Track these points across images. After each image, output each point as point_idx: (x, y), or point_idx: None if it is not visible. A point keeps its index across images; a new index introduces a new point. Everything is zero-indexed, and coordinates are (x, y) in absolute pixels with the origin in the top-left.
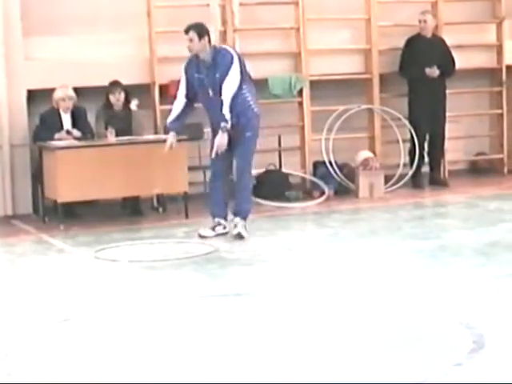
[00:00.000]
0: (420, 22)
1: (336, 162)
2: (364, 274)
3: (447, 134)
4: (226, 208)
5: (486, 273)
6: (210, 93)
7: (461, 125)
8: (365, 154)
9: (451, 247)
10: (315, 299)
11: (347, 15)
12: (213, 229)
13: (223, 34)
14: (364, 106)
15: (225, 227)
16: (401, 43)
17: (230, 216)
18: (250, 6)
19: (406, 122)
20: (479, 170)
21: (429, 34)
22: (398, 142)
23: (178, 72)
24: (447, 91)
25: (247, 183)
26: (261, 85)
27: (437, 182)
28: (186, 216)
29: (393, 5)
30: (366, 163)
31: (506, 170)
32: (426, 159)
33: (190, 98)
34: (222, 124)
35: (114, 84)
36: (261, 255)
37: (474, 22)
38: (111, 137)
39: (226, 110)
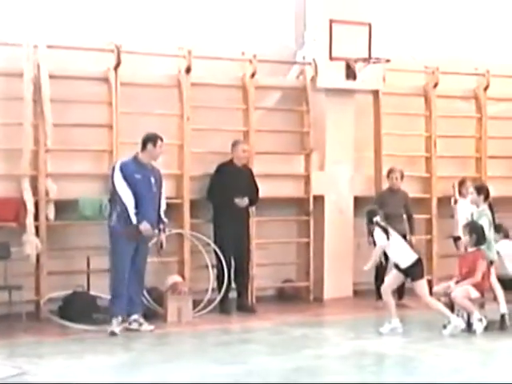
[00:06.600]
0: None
1: (145, 286)
2: None
3: (255, 261)
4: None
5: None
6: None
7: (269, 252)
8: (174, 278)
9: (257, 373)
10: None
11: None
12: None
13: (35, 154)
14: (175, 231)
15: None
16: (212, 169)
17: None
18: (63, 126)
19: (216, 248)
20: (286, 297)
21: (239, 163)
22: (207, 266)
23: None
24: (255, 219)
25: None
26: (72, 206)
27: (244, 307)
28: None
29: (206, 132)
30: (174, 287)
31: (311, 297)
32: (234, 285)
33: None
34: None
35: None
36: (65, 378)
37: (283, 152)
38: None
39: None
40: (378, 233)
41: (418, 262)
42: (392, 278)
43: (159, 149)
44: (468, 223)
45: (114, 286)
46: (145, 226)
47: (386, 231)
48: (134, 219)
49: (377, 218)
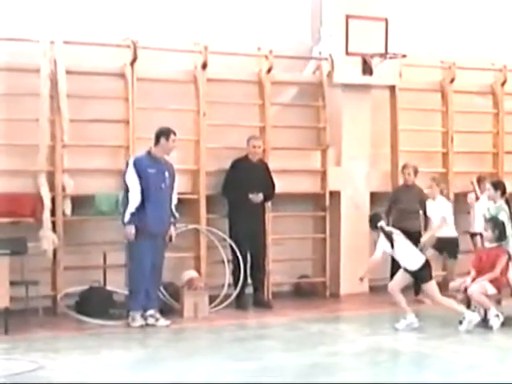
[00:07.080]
0: (254, 147)
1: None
2: None
3: (271, 257)
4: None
5: None
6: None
7: (285, 247)
8: (190, 273)
9: (272, 369)
10: None
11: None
12: None
13: (52, 149)
14: (191, 226)
15: None
16: (228, 165)
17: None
18: (79, 122)
19: (232, 243)
20: (302, 293)
21: (254, 159)
22: (223, 262)
23: None
24: (272, 214)
25: None
26: (88, 201)
27: (260, 303)
28: (6, 332)
29: (222, 128)
30: (191, 283)
31: (328, 293)
32: (250, 280)
33: None
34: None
35: None
36: (81, 374)
37: (300, 148)
38: None
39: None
40: (381, 240)
41: (426, 264)
42: (399, 278)
43: (172, 143)
44: (491, 219)
45: (132, 281)
46: (130, 230)
47: (390, 238)
48: (126, 217)
49: (381, 223)
